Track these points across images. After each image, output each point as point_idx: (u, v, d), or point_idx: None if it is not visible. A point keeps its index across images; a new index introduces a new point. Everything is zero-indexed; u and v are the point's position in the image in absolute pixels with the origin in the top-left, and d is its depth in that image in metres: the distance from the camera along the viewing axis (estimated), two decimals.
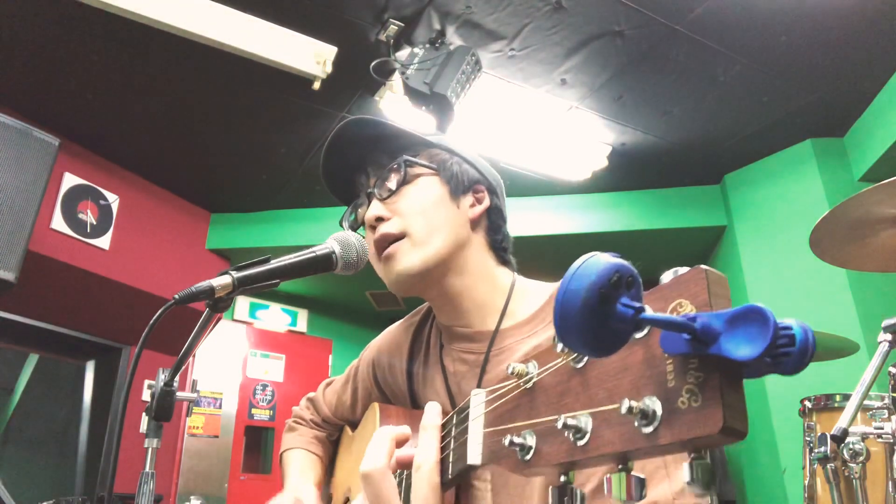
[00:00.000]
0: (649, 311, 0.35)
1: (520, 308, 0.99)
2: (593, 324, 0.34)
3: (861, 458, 1.76)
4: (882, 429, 1.65)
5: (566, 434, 0.41)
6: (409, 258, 0.95)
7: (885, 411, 1.82)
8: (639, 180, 4.11)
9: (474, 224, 1.02)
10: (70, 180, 3.69)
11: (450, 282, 0.99)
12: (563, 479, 0.43)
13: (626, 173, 3.98)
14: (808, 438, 2.12)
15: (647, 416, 0.35)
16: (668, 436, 0.34)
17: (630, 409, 0.35)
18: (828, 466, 1.82)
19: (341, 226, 1.08)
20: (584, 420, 0.40)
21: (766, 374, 0.33)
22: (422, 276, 0.96)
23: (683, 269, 0.37)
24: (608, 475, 0.38)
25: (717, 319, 0.32)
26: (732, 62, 3.05)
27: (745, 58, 3.03)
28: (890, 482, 1.70)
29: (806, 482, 2.09)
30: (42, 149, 2.92)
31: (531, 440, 0.45)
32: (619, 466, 0.38)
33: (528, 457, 0.45)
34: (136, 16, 2.32)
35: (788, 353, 0.32)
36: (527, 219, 4.13)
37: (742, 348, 0.31)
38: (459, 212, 1.00)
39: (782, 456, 3.32)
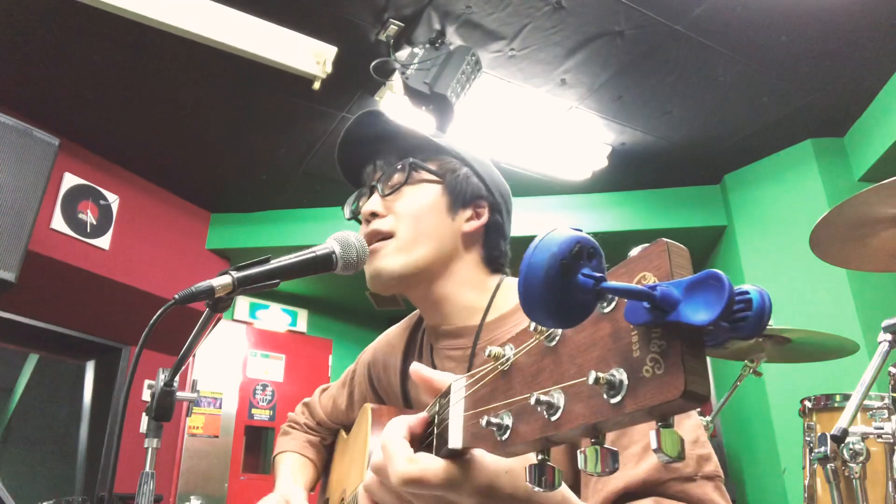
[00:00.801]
0: (611, 282, 0.35)
1: (505, 302, 1.00)
2: (556, 295, 0.35)
3: (861, 458, 1.76)
4: (882, 429, 1.65)
5: (540, 410, 0.41)
6: (390, 259, 0.97)
7: (885, 411, 1.82)
8: (639, 180, 4.11)
9: (468, 238, 1.02)
10: (70, 180, 3.69)
11: (432, 287, 1.00)
12: (540, 457, 0.44)
13: (626, 173, 3.98)
14: (808, 438, 2.12)
15: (613, 386, 0.36)
16: (632, 404, 0.35)
17: (597, 379, 0.36)
18: (828, 466, 1.82)
19: (343, 210, 1.09)
20: (557, 396, 0.41)
21: (727, 339, 0.33)
22: (399, 279, 0.98)
23: (648, 245, 0.38)
24: (582, 450, 0.39)
25: (676, 287, 0.33)
26: (732, 62, 3.05)
27: (745, 58, 3.03)
28: (890, 482, 1.70)
29: (806, 482, 2.09)
30: (42, 149, 2.92)
31: (508, 420, 0.45)
32: (592, 440, 0.39)
33: (505, 436, 0.45)
34: (137, 16, 2.32)
35: (745, 318, 0.32)
36: (527, 219, 4.12)
37: (700, 313, 0.32)
38: (453, 224, 1.01)
39: (782, 456, 3.32)
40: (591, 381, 0.36)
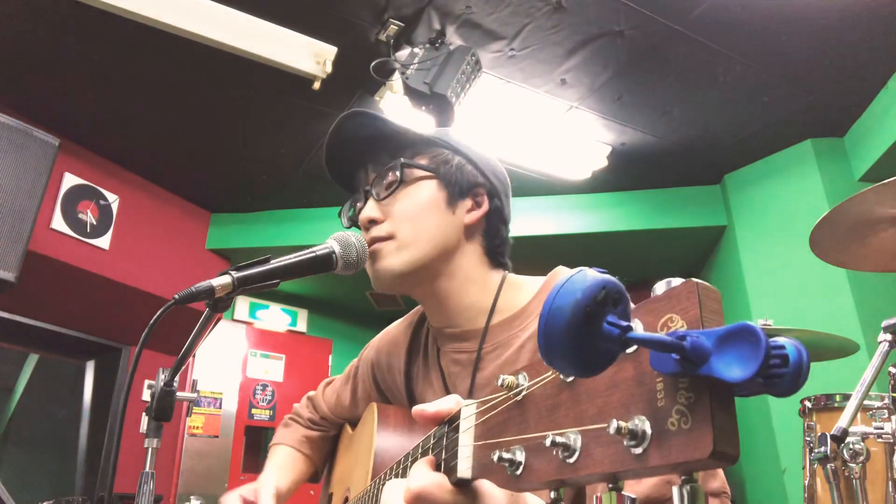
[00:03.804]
0: (638, 330, 0.34)
1: (509, 304, 0.99)
2: (579, 344, 0.33)
3: (861, 458, 1.76)
4: (882, 429, 1.65)
5: (555, 452, 0.40)
6: (392, 259, 0.96)
7: (885, 411, 1.82)
8: (639, 180, 4.11)
9: (470, 229, 1.00)
10: (70, 180, 3.69)
11: (436, 284, 0.99)
12: (552, 495, 0.43)
13: (626, 173, 3.98)
14: (808, 438, 2.12)
15: (636, 436, 0.34)
16: (657, 458, 0.33)
17: (619, 429, 0.35)
18: (828, 466, 1.81)
19: (340, 218, 1.08)
20: (574, 437, 0.39)
21: (759, 394, 0.32)
22: (403, 277, 0.97)
23: (677, 281, 0.36)
24: (598, 495, 0.38)
25: (707, 338, 0.31)
26: (732, 62, 3.05)
27: (745, 58, 3.03)
28: (890, 482, 1.70)
29: (806, 482, 2.09)
30: (42, 149, 2.92)
31: (521, 456, 0.44)
32: (610, 486, 0.38)
33: (518, 472, 0.44)
34: (136, 16, 2.32)
35: (781, 375, 0.31)
36: (527, 219, 4.13)
37: (733, 369, 0.30)
38: (454, 218, 0.99)
39: (782, 456, 3.32)
40: (612, 430, 0.35)
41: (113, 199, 3.93)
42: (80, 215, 3.71)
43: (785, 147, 3.74)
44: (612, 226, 4.16)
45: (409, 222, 0.96)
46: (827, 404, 2.12)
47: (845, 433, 1.45)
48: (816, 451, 1.83)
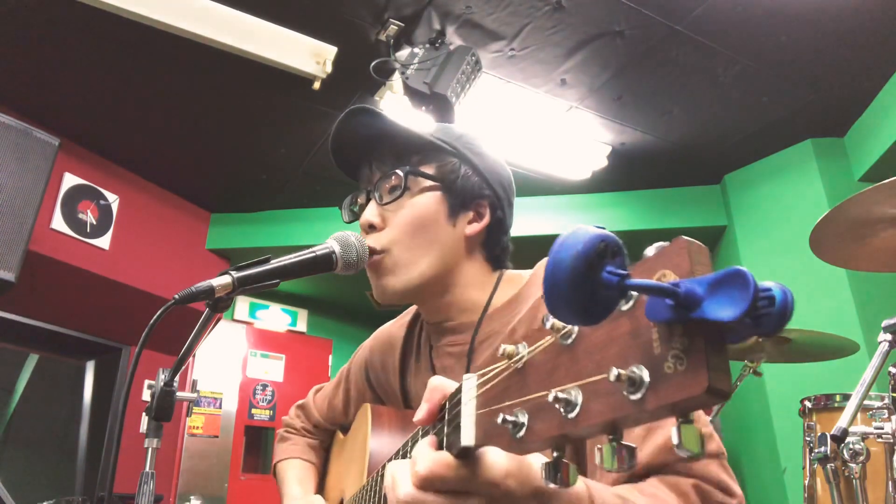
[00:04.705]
0: (636, 279, 0.35)
1: (502, 295, 0.99)
2: (581, 291, 0.35)
3: (861, 458, 1.76)
4: (882, 429, 1.65)
5: (557, 407, 0.41)
6: (391, 278, 0.96)
7: (885, 411, 1.82)
8: (639, 180, 4.11)
9: (470, 240, 1.00)
10: (70, 180, 3.69)
11: (437, 294, 0.99)
12: (555, 454, 0.44)
13: (626, 173, 3.98)
14: (808, 438, 2.12)
15: (634, 383, 0.36)
16: (654, 400, 0.35)
17: (618, 376, 0.36)
18: (828, 466, 1.82)
19: (340, 212, 1.08)
20: (574, 393, 0.41)
21: (748, 336, 0.34)
22: (403, 295, 0.97)
23: (666, 244, 0.38)
24: (599, 446, 0.39)
25: (699, 285, 0.33)
26: (732, 62, 3.05)
27: (745, 58, 3.03)
28: (890, 482, 1.70)
29: (806, 482, 2.09)
30: (42, 149, 2.92)
31: (523, 417, 0.45)
32: (610, 437, 0.39)
33: (520, 433, 0.45)
34: (136, 16, 2.32)
35: (768, 314, 0.33)
36: (527, 219, 4.12)
37: (724, 310, 0.32)
38: (454, 231, 0.98)
39: (782, 456, 3.32)
40: (612, 377, 0.36)
41: (113, 199, 3.93)
42: (80, 215, 3.71)
43: (785, 147, 3.74)
44: (612, 226, 4.14)
45: (407, 237, 0.95)
46: (827, 404, 2.12)
47: (845, 433, 1.45)
48: (816, 451, 1.83)
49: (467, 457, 0.53)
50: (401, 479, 0.56)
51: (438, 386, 0.61)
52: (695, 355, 0.33)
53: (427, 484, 0.53)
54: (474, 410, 0.53)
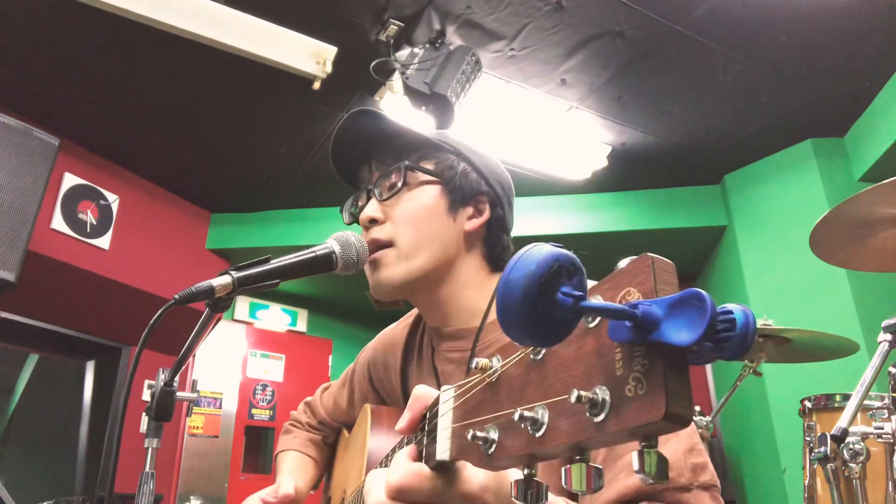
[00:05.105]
0: (594, 300, 0.35)
1: None
2: (535, 314, 0.34)
3: (861, 458, 1.76)
4: (882, 429, 1.65)
5: (524, 426, 0.41)
6: (392, 269, 0.96)
7: (885, 411, 1.82)
8: (639, 180, 4.11)
9: (470, 236, 1.00)
10: (70, 180, 3.69)
11: (434, 290, 0.99)
12: (525, 471, 0.43)
13: (626, 173, 3.98)
14: (808, 438, 2.12)
15: (596, 405, 0.35)
16: (615, 424, 0.34)
17: (579, 398, 0.36)
18: (828, 466, 1.82)
19: (341, 214, 1.08)
20: (541, 412, 0.40)
21: (711, 360, 0.33)
22: (402, 287, 0.97)
23: (635, 258, 0.37)
24: (567, 466, 0.38)
25: (658, 306, 0.33)
26: (732, 62, 3.05)
27: (745, 58, 3.03)
28: (890, 482, 1.70)
29: (806, 482, 2.09)
30: (42, 149, 2.92)
31: (494, 434, 0.45)
32: (577, 457, 0.38)
33: (491, 450, 0.45)
34: (136, 16, 2.32)
35: (729, 338, 0.32)
36: (527, 219, 4.13)
37: (681, 333, 0.31)
38: (454, 225, 0.99)
39: (782, 456, 3.32)
40: (573, 399, 0.36)
41: (113, 199, 3.93)
42: (80, 215, 3.71)
43: (785, 147, 3.74)
44: (612, 226, 4.16)
45: (410, 228, 0.96)
46: (827, 404, 2.12)
47: (845, 433, 1.45)
48: (816, 451, 1.83)
49: (444, 469, 0.53)
50: (374, 487, 0.56)
51: (421, 395, 0.61)
52: (653, 379, 0.33)
53: (398, 494, 0.53)
54: (450, 423, 0.52)
